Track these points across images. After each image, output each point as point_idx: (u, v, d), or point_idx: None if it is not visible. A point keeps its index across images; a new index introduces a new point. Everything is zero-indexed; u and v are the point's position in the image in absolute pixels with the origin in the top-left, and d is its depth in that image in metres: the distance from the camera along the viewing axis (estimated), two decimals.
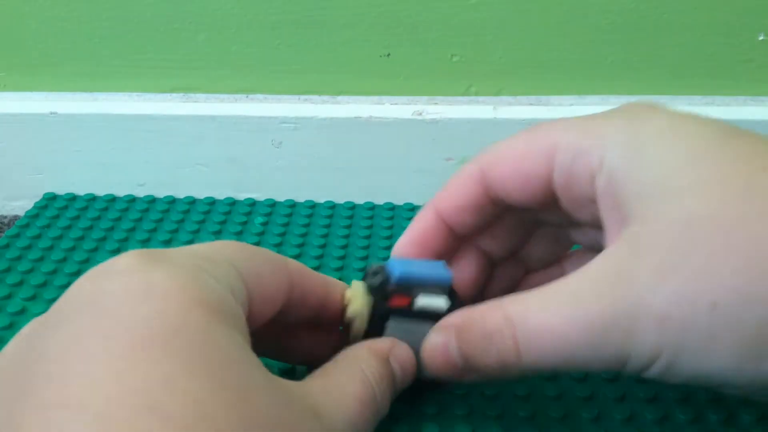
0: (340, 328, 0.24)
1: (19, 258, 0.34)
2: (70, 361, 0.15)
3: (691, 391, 0.25)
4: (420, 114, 0.38)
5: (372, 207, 0.40)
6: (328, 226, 0.38)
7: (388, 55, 0.39)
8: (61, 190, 0.41)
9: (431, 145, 0.39)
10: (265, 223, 0.38)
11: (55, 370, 0.15)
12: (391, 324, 0.23)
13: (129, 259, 0.18)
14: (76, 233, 0.36)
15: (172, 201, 0.40)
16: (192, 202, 0.40)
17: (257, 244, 0.34)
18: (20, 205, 0.42)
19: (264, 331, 0.21)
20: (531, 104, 0.40)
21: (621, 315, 0.18)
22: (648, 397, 0.25)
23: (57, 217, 0.38)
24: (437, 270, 0.23)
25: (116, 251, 0.35)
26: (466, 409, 0.25)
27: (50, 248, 0.35)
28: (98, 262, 0.19)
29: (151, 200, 0.40)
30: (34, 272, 0.33)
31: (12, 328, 0.29)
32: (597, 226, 0.22)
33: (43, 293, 0.31)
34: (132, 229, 0.37)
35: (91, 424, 0.13)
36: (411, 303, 0.23)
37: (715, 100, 0.39)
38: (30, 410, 0.14)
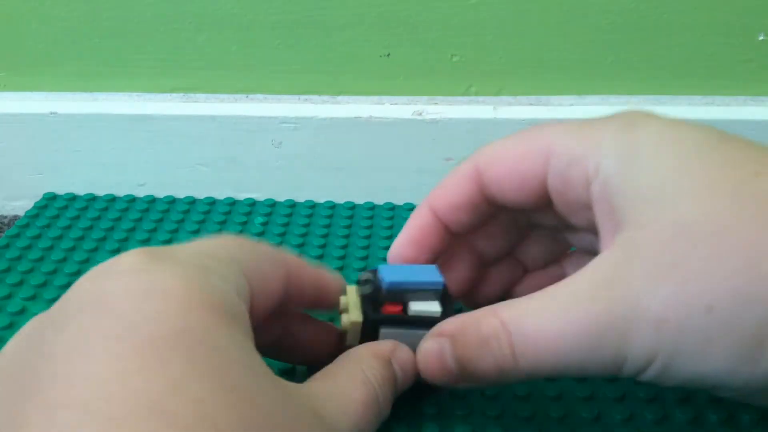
0: (337, 324, 0.24)
1: (19, 258, 0.34)
2: (74, 362, 0.15)
3: (691, 391, 0.25)
4: (420, 114, 0.38)
5: (372, 207, 0.40)
6: (328, 226, 0.38)
7: (388, 55, 0.39)
8: (61, 190, 0.41)
9: (431, 145, 0.39)
10: (265, 223, 0.38)
11: (60, 371, 0.15)
12: (386, 331, 0.23)
13: (132, 258, 0.18)
14: (76, 233, 0.36)
15: (172, 201, 0.40)
16: (192, 202, 0.40)
17: None
18: (20, 205, 0.42)
19: (264, 326, 0.21)
20: (531, 104, 0.40)
21: (617, 318, 0.18)
22: (648, 397, 0.25)
23: (57, 217, 0.38)
24: (429, 275, 0.23)
25: (116, 251, 0.35)
26: (466, 409, 0.25)
27: (50, 248, 0.35)
28: (98, 262, 0.19)
29: (151, 200, 0.40)
30: (34, 272, 0.33)
31: (12, 328, 0.29)
32: (592, 230, 0.22)
33: (43, 293, 0.31)
34: (132, 229, 0.37)
35: (95, 425, 0.13)
36: (404, 309, 0.23)
37: (715, 100, 0.39)
38: (34, 410, 0.14)
